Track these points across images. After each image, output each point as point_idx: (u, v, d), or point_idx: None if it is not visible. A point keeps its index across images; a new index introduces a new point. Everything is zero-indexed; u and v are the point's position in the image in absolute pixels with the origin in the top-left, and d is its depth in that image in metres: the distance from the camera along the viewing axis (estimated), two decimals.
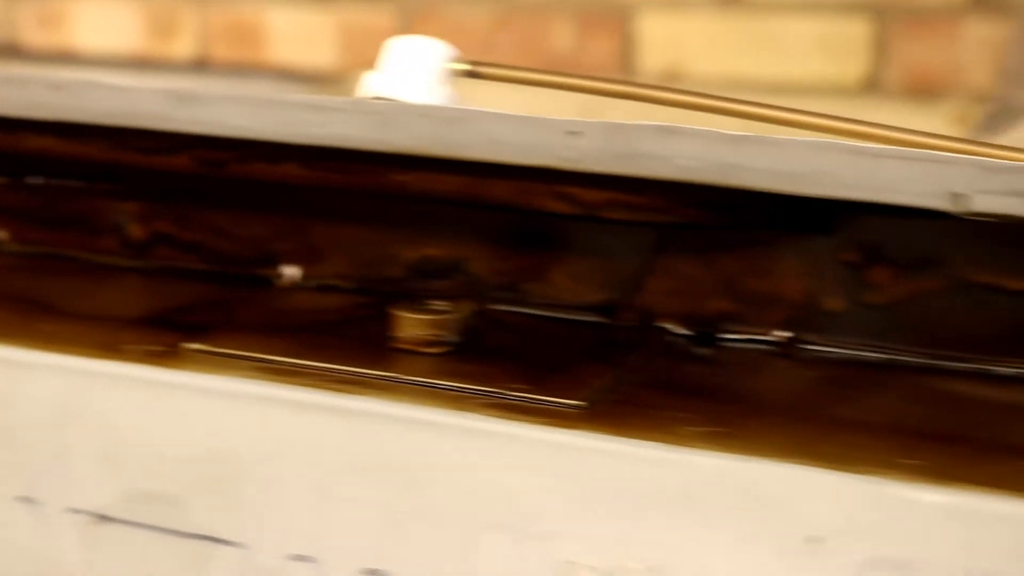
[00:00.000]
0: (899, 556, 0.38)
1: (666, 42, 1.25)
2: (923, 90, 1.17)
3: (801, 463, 0.39)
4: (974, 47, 1.17)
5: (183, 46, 1.26)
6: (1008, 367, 0.44)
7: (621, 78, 0.50)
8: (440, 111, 0.45)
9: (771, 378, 0.45)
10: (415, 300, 0.46)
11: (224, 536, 0.44)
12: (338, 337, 0.47)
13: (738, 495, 0.39)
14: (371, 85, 0.48)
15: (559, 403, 0.42)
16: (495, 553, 0.41)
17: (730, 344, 0.47)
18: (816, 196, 0.42)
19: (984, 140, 0.44)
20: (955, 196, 0.41)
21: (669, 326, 0.47)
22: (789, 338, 0.46)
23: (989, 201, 0.41)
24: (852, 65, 1.19)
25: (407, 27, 1.25)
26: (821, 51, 1.21)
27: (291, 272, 0.52)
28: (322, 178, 0.47)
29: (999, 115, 0.56)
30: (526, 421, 0.42)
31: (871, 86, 1.18)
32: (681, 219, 0.46)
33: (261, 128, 0.46)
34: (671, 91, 0.48)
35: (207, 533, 0.44)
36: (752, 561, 0.39)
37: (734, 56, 1.22)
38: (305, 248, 0.52)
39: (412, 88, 0.48)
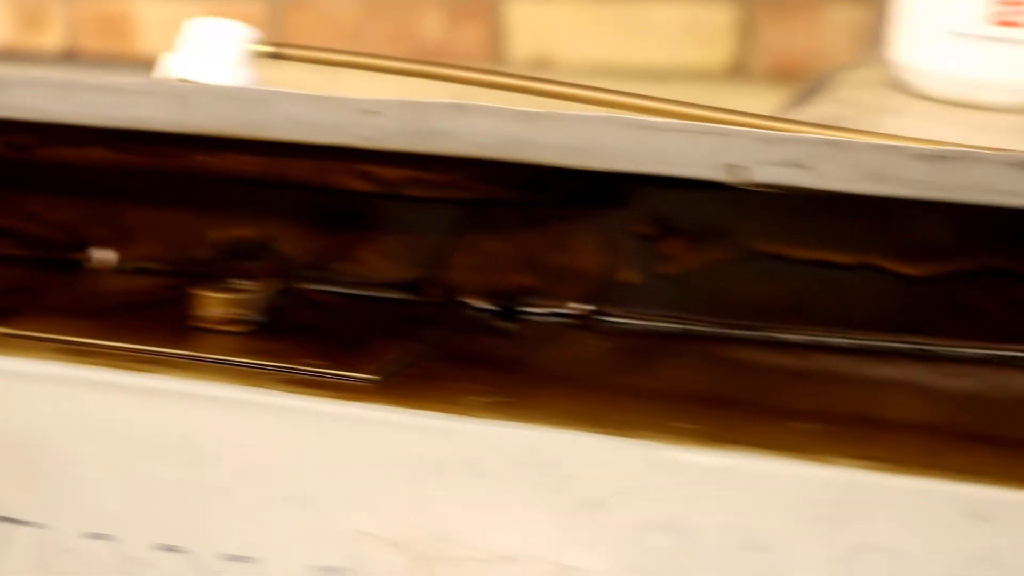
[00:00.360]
0: (675, 517, 0.39)
1: (536, 30, 1.25)
2: (787, 74, 1.19)
3: (581, 430, 0.40)
4: (837, 32, 1.19)
5: (52, 38, 1.25)
6: (794, 334, 0.46)
7: (439, 61, 0.51)
8: (239, 92, 0.45)
9: (567, 349, 0.46)
10: (219, 280, 0.47)
11: (23, 517, 0.44)
12: (142, 318, 0.47)
13: (519, 462, 0.40)
14: (171, 67, 0.49)
15: (353, 377, 0.43)
16: (287, 525, 0.42)
17: (532, 318, 0.48)
18: (603, 170, 0.43)
19: (769, 113, 0.45)
20: (732, 167, 0.42)
21: (473, 301, 0.48)
22: (588, 311, 0.47)
23: (767, 172, 0.42)
24: (718, 50, 1.21)
25: (278, 18, 1.25)
26: (688, 37, 1.22)
27: (103, 255, 0.52)
28: (129, 161, 0.48)
29: (810, 91, 0.57)
30: (319, 395, 0.42)
31: (737, 71, 1.20)
32: (481, 196, 0.47)
33: (62, 111, 0.46)
34: (481, 72, 0.49)
35: (5, 515, 0.44)
36: (532, 525, 0.40)
37: (603, 43, 1.23)
38: (117, 231, 0.52)
39: (213, 70, 0.48)
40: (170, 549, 0.43)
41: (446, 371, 0.44)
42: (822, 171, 0.42)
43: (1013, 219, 0.42)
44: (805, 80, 1.18)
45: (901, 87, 0.54)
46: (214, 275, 0.49)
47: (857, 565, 0.38)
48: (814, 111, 0.51)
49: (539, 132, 0.43)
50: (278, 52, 0.49)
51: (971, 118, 0.51)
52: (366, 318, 0.48)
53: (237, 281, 0.47)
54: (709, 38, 1.20)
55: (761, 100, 1.23)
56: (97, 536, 0.43)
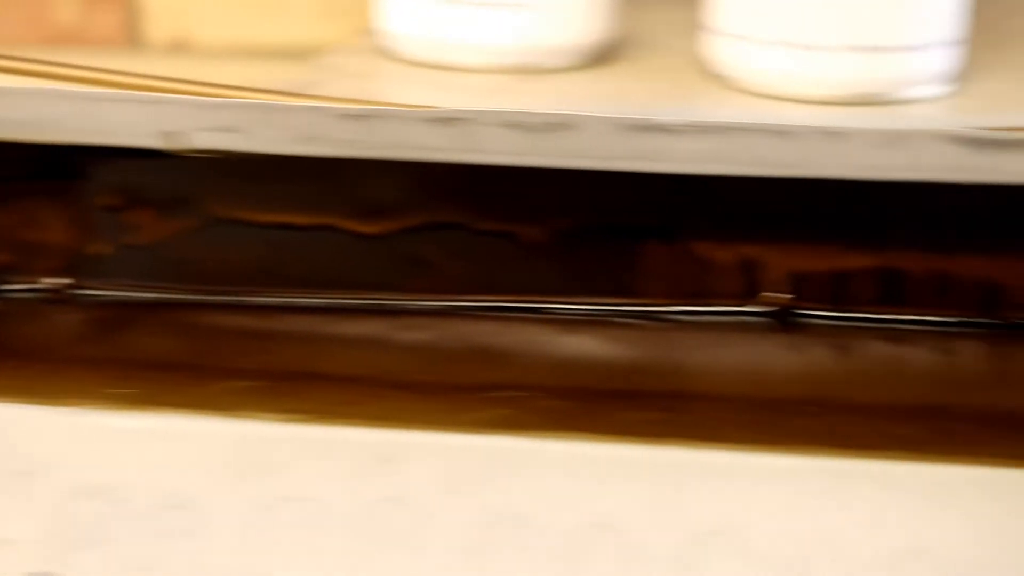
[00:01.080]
0: (103, 482, 0.40)
1: (172, 11, 1.24)
2: None
3: (15, 401, 0.40)
4: None
5: None
6: (262, 296, 0.47)
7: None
8: None
9: (37, 325, 0.46)
10: None
11: None
12: None
13: None
14: None
15: None
16: None
17: (9, 295, 0.48)
18: (47, 143, 0.44)
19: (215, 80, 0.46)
20: (169, 134, 0.43)
21: None
22: (64, 284, 0.47)
23: (204, 137, 0.43)
24: (356, 27, 1.21)
25: None
26: (324, 15, 1.23)
27: None
28: None
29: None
30: None
31: None
32: None
33: None
34: None
35: None
36: None
37: (242, 24, 1.23)
38: None
39: None
40: None
41: None
42: (256, 135, 0.43)
43: (453, 173, 0.44)
44: None
45: (389, 53, 0.56)
46: None
47: (275, 515, 0.39)
48: (288, 78, 0.52)
49: None
50: None
51: (446, 80, 0.52)
52: None
53: None
54: (346, 15, 1.21)
55: None
56: None
